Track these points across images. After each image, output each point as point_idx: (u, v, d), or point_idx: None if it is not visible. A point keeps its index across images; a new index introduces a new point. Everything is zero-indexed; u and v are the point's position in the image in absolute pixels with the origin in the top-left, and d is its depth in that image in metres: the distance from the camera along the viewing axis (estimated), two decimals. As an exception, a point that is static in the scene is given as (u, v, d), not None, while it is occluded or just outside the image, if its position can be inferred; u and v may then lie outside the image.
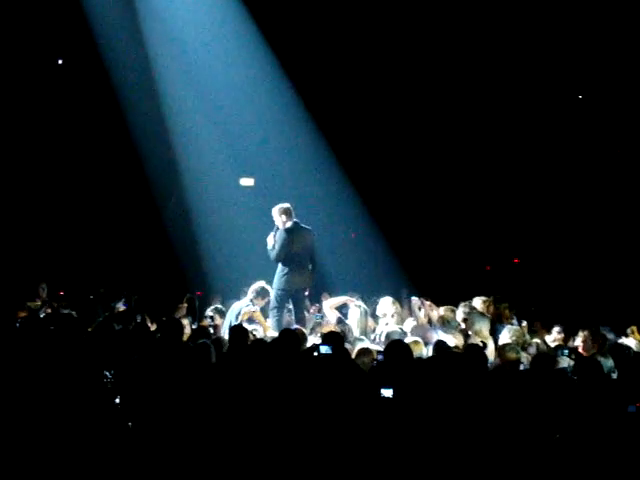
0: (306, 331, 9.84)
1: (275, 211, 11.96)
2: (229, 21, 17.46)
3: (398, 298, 11.67)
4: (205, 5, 17.32)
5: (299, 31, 17.91)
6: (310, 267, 12.08)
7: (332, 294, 12.15)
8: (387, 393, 5.82)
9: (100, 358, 6.33)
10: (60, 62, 18.77)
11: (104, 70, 17.65)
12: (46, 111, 18.32)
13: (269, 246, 11.96)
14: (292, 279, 11.80)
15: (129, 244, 18.89)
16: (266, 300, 11.68)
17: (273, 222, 11.98)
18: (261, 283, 11.79)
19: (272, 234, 11.96)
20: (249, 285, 11.95)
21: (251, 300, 11.54)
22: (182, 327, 9.15)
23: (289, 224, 11.84)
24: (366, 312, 10.41)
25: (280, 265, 11.85)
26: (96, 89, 18.05)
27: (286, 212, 11.92)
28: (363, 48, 18.32)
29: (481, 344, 8.26)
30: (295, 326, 10.02)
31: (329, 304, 10.91)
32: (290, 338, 7.77)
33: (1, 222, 17.62)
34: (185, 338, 9.16)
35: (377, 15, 17.92)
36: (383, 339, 9.15)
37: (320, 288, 13.81)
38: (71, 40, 17.76)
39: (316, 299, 13.19)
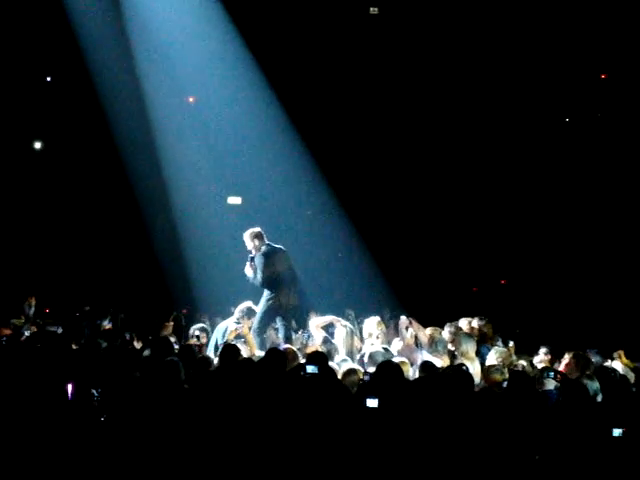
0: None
1: (247, 236, 11.91)
2: (218, 39, 17.49)
3: (382, 318, 11.65)
4: (194, 20, 17.35)
5: (287, 48, 17.96)
6: (295, 286, 12.08)
7: (318, 314, 12.10)
8: (372, 403, 5.81)
9: (87, 376, 6.31)
10: (49, 79, 18.78)
11: (92, 87, 17.66)
12: (35, 128, 18.32)
13: (249, 275, 11.92)
14: (280, 301, 11.76)
15: (116, 262, 18.85)
16: (252, 320, 11.66)
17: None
18: (248, 303, 11.77)
19: (248, 263, 11.91)
20: (236, 304, 11.93)
21: (237, 320, 11.52)
22: (172, 345, 9.14)
23: (264, 248, 11.82)
24: (352, 332, 10.38)
25: (267, 289, 11.81)
26: (84, 106, 18.06)
27: (258, 236, 11.89)
28: (352, 63, 18.39)
29: (464, 367, 8.24)
30: (285, 345, 9.99)
31: (315, 323, 10.88)
32: (277, 357, 7.75)
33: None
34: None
35: (367, 25, 18.02)
36: (366, 359, 9.13)
37: (306, 307, 13.78)
38: (60, 57, 17.78)
39: (302, 319, 13.16)
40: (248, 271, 11.89)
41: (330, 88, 18.62)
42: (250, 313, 11.61)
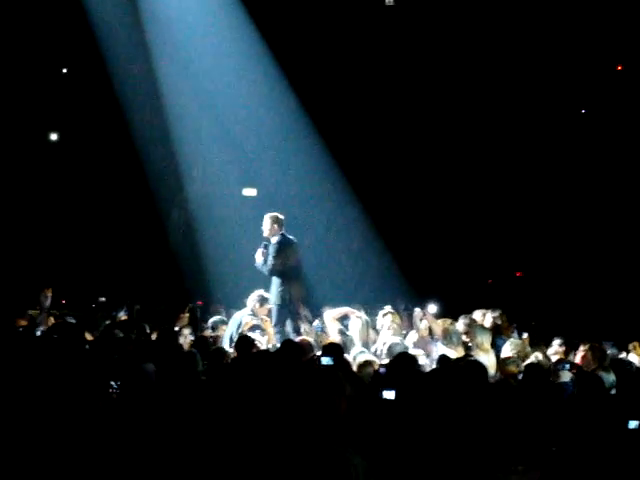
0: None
1: (268, 218, 11.93)
2: (234, 31, 17.47)
3: (396, 310, 11.65)
4: (210, 14, 17.35)
5: (304, 41, 17.94)
6: (301, 279, 12.13)
7: (331, 306, 12.10)
8: (389, 395, 5.81)
9: (104, 367, 6.34)
10: (64, 71, 18.82)
11: (108, 79, 17.69)
12: (50, 120, 18.36)
13: (258, 261, 11.94)
14: (289, 292, 11.79)
15: (131, 253, 18.88)
16: (266, 308, 11.69)
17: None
18: (259, 292, 11.79)
19: (261, 250, 11.92)
20: (248, 295, 11.95)
21: (252, 310, 11.55)
22: (176, 336, 9.19)
23: (278, 237, 11.84)
24: (367, 323, 10.37)
25: (277, 279, 11.82)
26: (100, 98, 18.09)
27: (279, 222, 11.92)
28: (368, 56, 18.36)
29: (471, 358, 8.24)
30: (300, 337, 9.99)
31: (330, 315, 10.88)
32: (292, 349, 7.77)
33: (5, 230, 17.65)
34: (187, 348, 9.17)
35: (382, 23, 17.97)
36: (385, 351, 9.13)
37: (320, 299, 13.78)
38: (75, 49, 17.82)
39: (315, 310, 13.17)
40: (258, 257, 11.90)
41: (346, 80, 18.60)
42: (263, 301, 11.65)
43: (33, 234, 18.13)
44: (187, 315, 11.81)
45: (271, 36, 17.61)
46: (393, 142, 19.45)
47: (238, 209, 18.69)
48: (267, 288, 11.94)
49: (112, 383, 5.86)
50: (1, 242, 17.49)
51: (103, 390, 5.50)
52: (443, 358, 8.28)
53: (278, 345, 9.87)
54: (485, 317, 11.24)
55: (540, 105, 18.75)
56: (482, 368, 6.85)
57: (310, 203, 18.49)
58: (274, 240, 11.84)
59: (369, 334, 10.33)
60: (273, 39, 17.64)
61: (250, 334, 10.24)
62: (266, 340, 10.67)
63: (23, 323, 10.57)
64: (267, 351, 8.36)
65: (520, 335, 11.26)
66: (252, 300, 11.64)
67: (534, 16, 17.52)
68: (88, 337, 9.38)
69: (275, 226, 11.87)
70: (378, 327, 10.58)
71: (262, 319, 11.20)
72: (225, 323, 11.46)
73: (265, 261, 11.83)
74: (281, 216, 12.01)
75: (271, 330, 11.09)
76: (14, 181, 18.02)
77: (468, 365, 7.02)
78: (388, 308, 10.85)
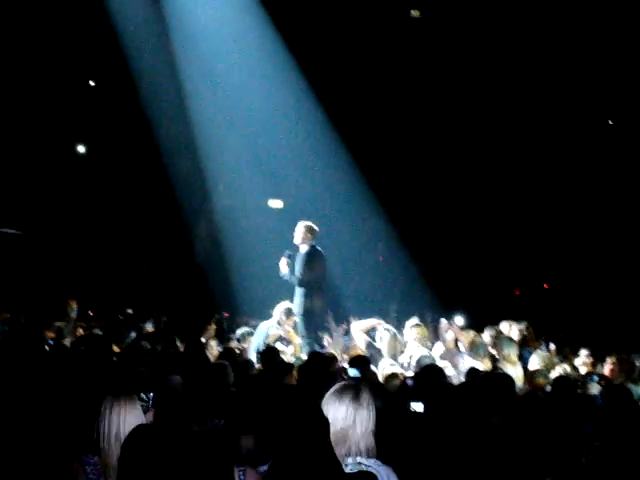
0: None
1: (302, 226, 11.93)
2: (261, 43, 17.52)
3: (423, 321, 11.60)
4: (237, 27, 17.39)
5: (330, 52, 17.96)
6: (324, 292, 12.11)
7: (357, 318, 12.06)
8: (417, 407, 5.79)
9: (131, 379, 6.35)
10: (92, 83, 18.94)
11: (134, 91, 17.79)
12: (77, 132, 18.48)
13: (283, 272, 11.94)
14: (313, 303, 11.79)
15: (158, 265, 18.95)
16: (292, 319, 11.68)
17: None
18: (286, 303, 11.77)
19: (285, 259, 11.94)
20: (274, 306, 11.95)
21: (278, 321, 11.54)
22: (203, 347, 9.20)
23: (309, 248, 11.84)
24: (395, 335, 10.32)
25: (300, 289, 11.83)
26: (126, 110, 18.19)
27: (311, 232, 11.93)
28: (395, 67, 18.36)
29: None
30: (326, 349, 9.98)
31: (357, 327, 10.83)
32: (319, 361, 7.75)
33: (33, 241, 17.76)
34: (213, 360, 9.18)
35: (408, 35, 17.99)
36: (413, 363, 9.09)
37: (346, 311, 13.74)
38: (102, 61, 17.93)
39: (340, 322, 13.13)
40: (283, 267, 11.90)
41: (373, 91, 18.61)
42: (289, 312, 11.63)
43: (60, 245, 18.23)
44: (214, 327, 11.80)
45: (298, 48, 17.64)
46: (420, 153, 19.43)
47: (264, 221, 18.73)
48: (292, 299, 11.95)
49: (143, 396, 5.86)
50: (29, 253, 17.60)
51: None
52: (472, 371, 8.23)
53: (304, 357, 9.86)
54: (512, 329, 11.19)
55: (572, 118, 18.68)
56: (510, 381, 6.82)
57: (336, 214, 18.46)
58: (303, 250, 11.85)
59: (397, 346, 10.27)
60: (300, 51, 17.67)
61: (277, 345, 10.26)
62: (292, 351, 10.66)
63: (51, 335, 10.63)
64: (289, 364, 8.30)
65: (547, 347, 11.20)
66: (278, 311, 11.62)
67: (555, 26, 17.47)
68: (115, 349, 9.41)
69: (308, 235, 11.87)
70: (405, 339, 10.52)
71: (287, 331, 11.19)
72: (251, 334, 11.45)
73: (292, 271, 11.83)
74: (315, 227, 12.01)
75: (297, 342, 11.06)
76: (42, 193, 18.12)
77: (496, 378, 7.01)
78: (415, 320, 10.79)
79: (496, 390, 6.47)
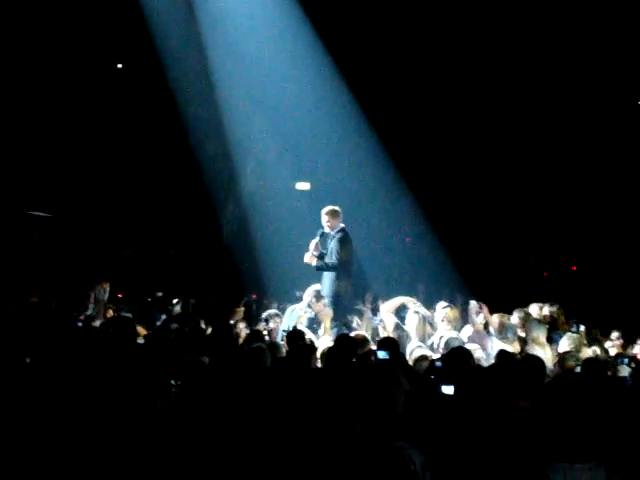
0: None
1: (329, 211, 11.90)
2: (289, 26, 17.46)
3: (453, 304, 11.57)
4: (264, 9, 17.35)
5: (357, 34, 17.88)
6: (351, 276, 12.10)
7: (385, 298, 12.03)
8: (448, 390, 5.77)
9: (162, 363, 6.36)
10: (120, 66, 18.99)
11: (162, 74, 17.81)
12: (105, 115, 18.52)
13: (313, 253, 11.93)
14: (342, 285, 11.80)
15: (186, 248, 19.02)
16: (322, 303, 11.67)
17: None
18: (316, 286, 11.75)
19: (316, 241, 11.96)
20: (302, 289, 11.94)
21: (309, 304, 11.53)
22: (233, 331, 9.21)
23: (341, 231, 11.84)
24: (424, 318, 10.28)
25: (331, 273, 11.83)
26: (154, 94, 18.22)
27: (337, 214, 11.92)
28: (421, 52, 18.27)
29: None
30: (355, 332, 9.97)
31: (386, 308, 10.79)
32: (347, 343, 7.74)
33: (62, 225, 17.86)
34: (241, 342, 9.20)
35: (443, 24, 17.90)
36: (442, 345, 9.08)
37: (376, 293, 13.72)
38: (130, 44, 17.96)
39: (368, 304, 13.10)
40: (313, 247, 11.93)
41: (401, 72, 18.53)
42: (319, 296, 11.61)
43: (90, 228, 18.32)
44: (242, 309, 11.82)
45: (325, 30, 17.58)
46: (449, 136, 19.36)
47: (291, 203, 18.73)
48: (320, 281, 11.96)
49: (172, 382, 5.86)
50: (59, 236, 17.71)
51: (160, 386, 5.50)
52: (502, 353, 8.20)
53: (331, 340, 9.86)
54: (542, 311, 11.14)
55: (595, 102, 18.55)
56: (540, 363, 6.79)
57: (363, 196, 18.44)
58: (337, 235, 11.83)
59: (425, 329, 10.24)
60: (327, 33, 17.60)
61: (303, 328, 10.26)
62: (321, 333, 10.65)
63: (80, 317, 10.71)
64: (313, 346, 8.29)
65: (578, 329, 11.14)
66: (308, 295, 11.61)
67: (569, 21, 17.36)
68: (142, 331, 9.43)
69: (335, 220, 11.86)
70: (435, 321, 10.49)
71: (321, 313, 11.15)
72: (279, 316, 11.45)
73: (322, 255, 11.84)
74: (338, 208, 11.98)
75: (329, 324, 11.03)
76: (72, 177, 18.21)
77: (527, 360, 6.97)
78: (444, 303, 10.75)
79: (526, 373, 6.44)
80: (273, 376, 6.70)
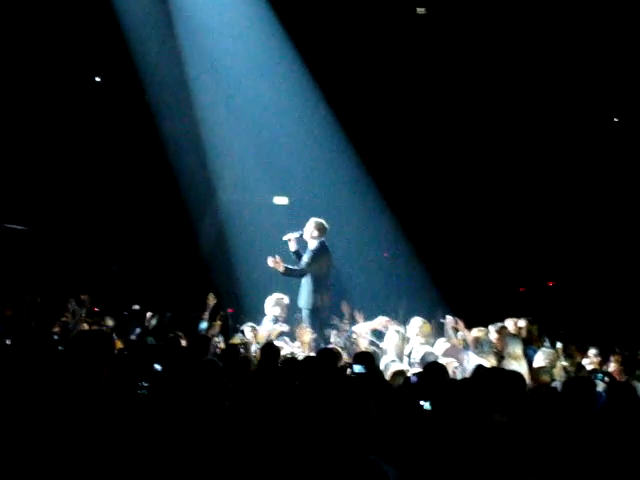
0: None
1: (312, 223, 11.97)
2: (268, 40, 17.49)
3: (431, 320, 11.58)
4: (242, 21, 17.37)
5: (336, 49, 17.93)
6: (328, 290, 12.13)
7: (362, 313, 12.02)
8: (425, 406, 5.78)
9: (134, 371, 6.36)
10: (97, 79, 18.95)
11: (140, 87, 17.79)
12: (84, 128, 18.48)
13: (291, 249, 12.06)
14: (320, 298, 11.83)
15: (162, 261, 18.97)
16: (286, 309, 11.74)
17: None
18: (271, 299, 11.82)
19: (294, 237, 12.04)
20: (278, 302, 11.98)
21: (276, 318, 11.57)
22: (209, 344, 9.19)
23: (317, 243, 11.87)
24: (403, 337, 10.25)
25: (308, 285, 11.86)
26: (132, 107, 18.20)
27: (323, 229, 11.96)
28: (401, 65, 18.33)
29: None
30: (331, 345, 9.98)
31: (364, 329, 10.79)
32: (328, 357, 7.75)
33: (38, 237, 17.79)
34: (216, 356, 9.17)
35: (414, 32, 17.96)
36: (418, 360, 9.09)
37: (351, 307, 13.73)
38: (108, 58, 17.93)
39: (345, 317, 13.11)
40: (292, 242, 12.05)
41: (378, 87, 18.58)
42: (280, 302, 11.69)
43: (66, 241, 18.26)
44: (219, 323, 11.80)
45: (304, 44, 17.62)
46: (424, 151, 19.43)
47: (269, 217, 18.72)
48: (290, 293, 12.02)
49: (141, 384, 5.87)
50: (35, 249, 17.63)
51: (131, 392, 5.51)
52: (479, 368, 8.20)
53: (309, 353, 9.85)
54: (517, 326, 11.19)
55: (575, 116, 18.66)
56: (520, 378, 6.81)
57: (341, 211, 18.45)
58: (312, 245, 11.88)
59: (404, 347, 10.22)
60: (306, 47, 17.65)
61: (282, 342, 10.27)
62: (296, 347, 10.62)
63: (57, 330, 10.68)
64: (294, 359, 8.31)
65: (553, 345, 11.18)
66: (271, 306, 11.71)
67: (560, 22, 17.44)
68: (119, 345, 9.39)
69: (318, 232, 11.90)
70: (408, 335, 10.47)
71: (300, 327, 11.13)
72: (255, 329, 11.44)
73: (300, 257, 11.89)
74: (326, 225, 12.05)
75: (307, 339, 10.98)
76: (48, 189, 18.15)
77: (505, 375, 6.98)
78: (419, 318, 10.74)
79: (504, 387, 6.46)
80: (245, 390, 6.71)
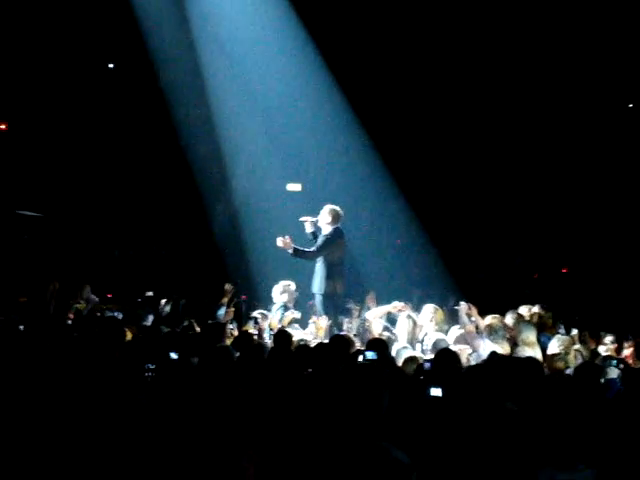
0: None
1: (329, 210, 11.96)
2: (280, 27, 17.44)
3: (443, 306, 11.58)
4: (256, 9, 17.33)
5: (350, 36, 17.86)
6: (343, 277, 12.13)
7: (377, 299, 12.01)
8: (436, 392, 5.77)
9: (144, 357, 6.37)
10: (111, 66, 18.95)
11: (154, 74, 17.78)
12: (97, 115, 18.48)
13: (308, 230, 12.09)
14: (334, 284, 11.83)
15: (177, 248, 18.99)
16: (294, 295, 11.77)
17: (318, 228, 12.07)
18: (278, 286, 11.85)
19: (310, 220, 12.09)
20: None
21: (285, 305, 11.61)
22: (223, 331, 9.20)
23: (331, 229, 11.86)
24: (415, 323, 10.23)
25: (322, 270, 11.87)
26: (146, 94, 18.19)
27: (338, 216, 11.95)
28: (413, 50, 18.25)
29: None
30: (343, 332, 9.97)
31: (373, 315, 10.79)
32: (341, 344, 7.73)
33: (53, 224, 17.84)
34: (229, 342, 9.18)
35: (433, 21, 17.89)
36: (430, 347, 9.08)
37: (364, 294, 13.73)
38: (121, 44, 17.92)
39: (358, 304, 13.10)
40: (308, 224, 12.09)
41: (392, 73, 18.52)
42: (287, 289, 11.74)
43: (81, 228, 18.29)
44: (232, 310, 11.81)
45: (317, 30, 17.56)
46: (439, 137, 19.37)
47: (282, 204, 18.69)
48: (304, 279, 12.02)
49: (148, 365, 5.88)
50: (52, 237, 17.69)
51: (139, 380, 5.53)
52: (493, 354, 8.18)
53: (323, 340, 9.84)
54: (531, 312, 11.17)
55: (587, 101, 18.56)
56: (538, 365, 6.79)
57: (355, 198, 18.41)
58: (326, 231, 11.88)
59: (416, 333, 10.20)
60: (319, 33, 17.59)
61: (295, 330, 10.27)
62: (309, 334, 10.62)
63: (71, 316, 10.72)
64: (307, 346, 8.29)
65: (568, 331, 11.14)
66: (279, 294, 11.75)
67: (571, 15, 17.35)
68: (130, 332, 9.39)
69: (330, 219, 11.90)
70: (420, 322, 10.44)
71: (315, 320, 11.13)
72: (266, 317, 11.45)
73: (315, 239, 11.97)
74: (341, 212, 12.04)
75: (321, 325, 10.96)
76: (63, 176, 18.18)
77: (523, 362, 6.97)
78: (431, 305, 10.73)
79: (519, 375, 6.45)
80: (259, 377, 6.70)
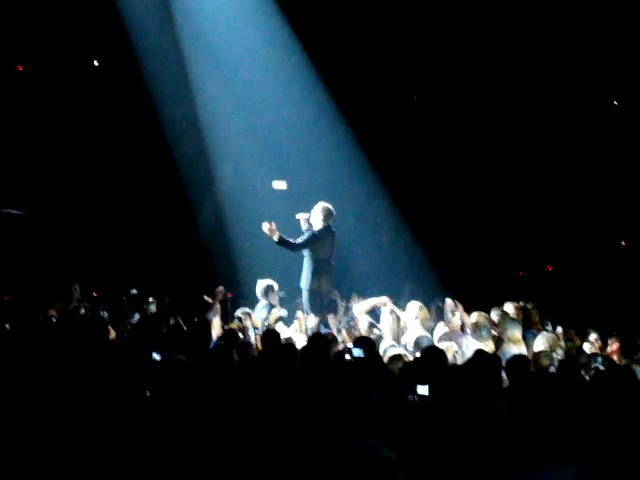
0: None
1: (320, 207, 12.01)
2: (266, 25, 17.45)
3: (430, 304, 11.60)
4: (242, 9, 17.33)
5: (335, 34, 17.87)
6: (329, 274, 12.16)
7: (361, 297, 12.03)
8: (423, 390, 5.77)
9: (134, 360, 6.36)
10: (96, 63, 18.87)
11: (139, 73, 17.73)
12: (81, 113, 18.41)
13: (302, 226, 12.22)
14: (320, 281, 11.85)
15: (162, 246, 18.94)
16: (277, 294, 11.81)
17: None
18: (261, 284, 11.87)
19: (304, 218, 12.20)
20: (280, 288, 12.03)
21: (270, 303, 11.63)
22: (210, 327, 9.20)
23: (321, 227, 11.88)
24: (398, 319, 10.26)
25: (310, 266, 11.91)
26: (131, 92, 18.14)
27: (327, 216, 11.98)
28: (398, 47, 18.27)
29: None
30: (326, 330, 9.98)
31: (359, 309, 10.80)
32: (321, 343, 7.72)
33: (36, 222, 17.75)
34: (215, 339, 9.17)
35: (414, 14, 17.90)
36: (412, 344, 9.09)
37: (350, 291, 13.75)
38: (107, 42, 17.86)
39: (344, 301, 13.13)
40: (302, 220, 12.17)
41: (377, 72, 18.54)
42: (270, 288, 11.76)
43: (64, 226, 18.22)
44: (219, 306, 11.79)
45: (302, 29, 17.57)
46: (423, 135, 19.40)
47: (268, 202, 18.67)
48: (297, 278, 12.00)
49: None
50: (32, 234, 17.60)
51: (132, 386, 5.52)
52: (479, 352, 8.19)
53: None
54: (516, 310, 11.19)
55: (575, 99, 18.62)
56: (526, 362, 6.80)
57: (340, 196, 18.42)
58: (317, 227, 11.90)
59: (399, 329, 10.22)
60: (304, 32, 17.60)
61: (281, 327, 10.28)
62: (295, 331, 10.63)
63: (53, 313, 10.66)
64: (292, 345, 8.28)
65: (554, 328, 11.19)
66: (262, 293, 11.79)
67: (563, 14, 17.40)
68: (113, 330, 9.36)
69: (321, 216, 11.93)
70: (405, 319, 10.45)
71: (299, 317, 11.16)
72: (249, 314, 11.44)
73: (305, 231, 12.03)
74: (334, 211, 12.10)
75: (304, 327, 10.98)
76: (45, 174, 18.10)
77: (510, 361, 6.99)
78: (416, 302, 10.73)
79: (506, 372, 6.46)
80: (245, 375, 6.69)
